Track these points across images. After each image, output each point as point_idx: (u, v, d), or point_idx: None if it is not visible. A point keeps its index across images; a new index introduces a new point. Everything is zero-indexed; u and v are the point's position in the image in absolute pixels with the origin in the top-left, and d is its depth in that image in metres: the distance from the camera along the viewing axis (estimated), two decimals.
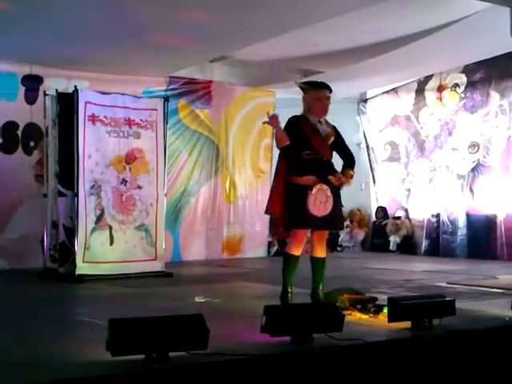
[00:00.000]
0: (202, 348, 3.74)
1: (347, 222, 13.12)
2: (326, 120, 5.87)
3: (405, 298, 5.22)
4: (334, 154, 5.85)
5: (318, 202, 5.60)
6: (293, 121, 5.80)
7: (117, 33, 7.86)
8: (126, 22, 7.50)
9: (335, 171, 5.74)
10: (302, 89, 5.94)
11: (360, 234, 13.17)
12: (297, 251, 5.74)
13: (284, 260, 5.83)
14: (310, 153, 5.66)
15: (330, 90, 5.86)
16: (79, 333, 4.85)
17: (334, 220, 5.80)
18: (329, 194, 5.65)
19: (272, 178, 6.26)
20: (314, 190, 5.61)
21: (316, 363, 4.04)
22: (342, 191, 5.85)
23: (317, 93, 5.82)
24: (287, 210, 5.66)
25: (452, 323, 4.85)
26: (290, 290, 5.73)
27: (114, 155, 8.20)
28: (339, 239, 13.02)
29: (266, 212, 5.92)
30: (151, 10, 7.18)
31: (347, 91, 12.31)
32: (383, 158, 13.25)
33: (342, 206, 5.93)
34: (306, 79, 6.22)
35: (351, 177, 5.73)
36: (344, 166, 5.81)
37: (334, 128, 5.88)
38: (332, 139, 5.80)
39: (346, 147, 5.93)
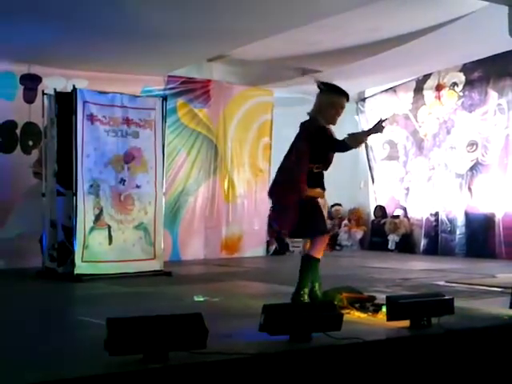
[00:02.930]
0: (200, 347, 3.73)
1: (345, 221, 13.15)
2: None
3: (403, 297, 5.23)
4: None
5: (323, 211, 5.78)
6: (323, 130, 5.66)
7: (115, 32, 7.85)
8: (124, 21, 7.50)
9: None
10: (321, 89, 5.78)
11: (358, 233, 13.16)
12: (321, 255, 5.80)
13: (310, 264, 5.70)
14: (320, 166, 5.68)
15: (348, 100, 5.81)
16: (78, 332, 4.84)
17: None
18: (324, 202, 5.81)
19: (271, 178, 6.24)
20: (321, 202, 5.71)
21: (315, 362, 4.04)
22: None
23: (334, 97, 5.72)
24: (309, 219, 5.60)
25: (450, 322, 4.86)
26: (316, 287, 5.72)
27: (113, 154, 8.20)
28: (338, 238, 13.03)
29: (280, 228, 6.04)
30: (150, 9, 7.18)
31: (345, 90, 12.30)
32: (382, 157, 13.24)
33: None
34: (325, 80, 5.99)
35: None
36: None
37: None
38: None
39: None
